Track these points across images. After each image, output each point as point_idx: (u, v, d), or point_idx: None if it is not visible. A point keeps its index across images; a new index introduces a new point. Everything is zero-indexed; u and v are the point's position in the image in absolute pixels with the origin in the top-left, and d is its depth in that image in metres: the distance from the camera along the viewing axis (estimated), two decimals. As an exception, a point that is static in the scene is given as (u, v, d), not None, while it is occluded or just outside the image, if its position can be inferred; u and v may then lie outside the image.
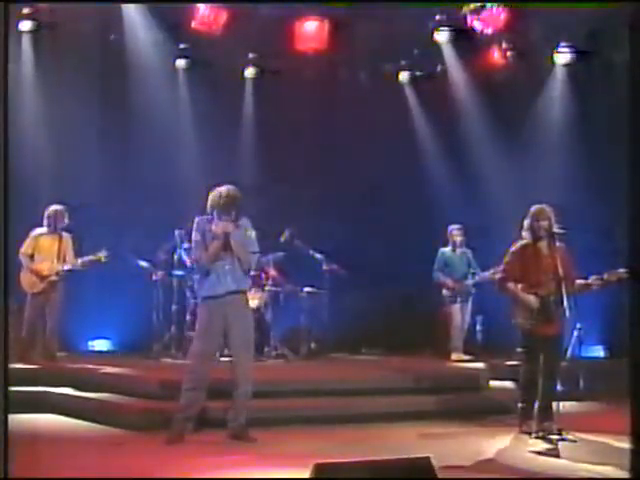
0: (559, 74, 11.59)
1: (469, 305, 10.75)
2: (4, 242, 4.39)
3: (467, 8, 10.44)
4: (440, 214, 11.49)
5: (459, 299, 10.67)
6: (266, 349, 10.26)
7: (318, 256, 10.76)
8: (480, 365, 9.79)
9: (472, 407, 8.33)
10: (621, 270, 6.69)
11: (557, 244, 7.10)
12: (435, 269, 10.75)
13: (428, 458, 3.56)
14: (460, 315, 10.67)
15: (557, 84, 11.62)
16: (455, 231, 10.80)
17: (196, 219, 6.89)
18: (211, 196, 6.82)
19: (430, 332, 11.08)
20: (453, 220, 10.89)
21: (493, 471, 5.88)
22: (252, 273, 10.11)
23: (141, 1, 10.75)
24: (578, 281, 7.07)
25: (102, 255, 9.31)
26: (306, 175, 11.94)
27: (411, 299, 11.65)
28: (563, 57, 11.44)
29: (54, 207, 9.37)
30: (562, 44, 11.28)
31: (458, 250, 10.81)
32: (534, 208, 7.24)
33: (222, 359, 7.30)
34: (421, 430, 7.38)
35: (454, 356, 10.54)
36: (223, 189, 6.79)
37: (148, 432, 6.92)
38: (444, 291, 10.73)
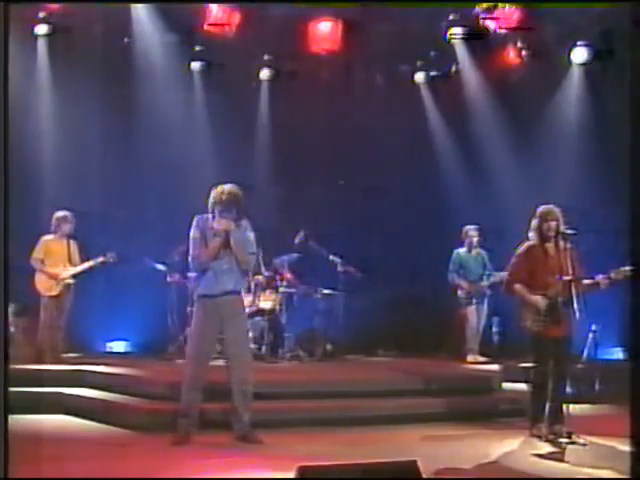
0: (576, 73, 11.48)
1: (484, 306, 10.67)
2: (4, 244, 4.44)
3: (480, 7, 10.37)
4: (455, 215, 11.43)
5: (474, 300, 10.59)
6: (280, 351, 10.26)
7: (333, 258, 10.72)
8: (494, 367, 9.70)
9: (484, 409, 8.26)
10: (628, 268, 6.58)
11: (565, 245, 7.03)
12: (450, 270, 10.68)
13: (415, 461, 3.52)
14: (476, 317, 10.60)
15: (574, 83, 11.50)
16: (471, 231, 10.73)
17: (195, 217, 6.87)
18: (213, 194, 6.79)
19: (446, 334, 11.01)
20: (468, 221, 10.82)
21: (492, 474, 5.82)
22: (252, 276, 10.32)
23: (154, 2, 10.77)
24: (585, 281, 6.98)
25: (110, 257, 9.57)
26: (321, 176, 11.93)
27: (427, 301, 11.58)
28: (580, 56, 11.33)
29: (61, 213, 9.60)
30: (579, 43, 11.15)
31: (473, 251, 10.73)
32: (542, 208, 7.16)
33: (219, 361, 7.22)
34: (430, 432, 7.32)
35: (470, 358, 10.48)
36: (225, 187, 6.76)
37: (155, 433, 6.91)
38: (459, 292, 10.66)
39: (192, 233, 6.83)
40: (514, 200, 10.99)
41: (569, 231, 7.05)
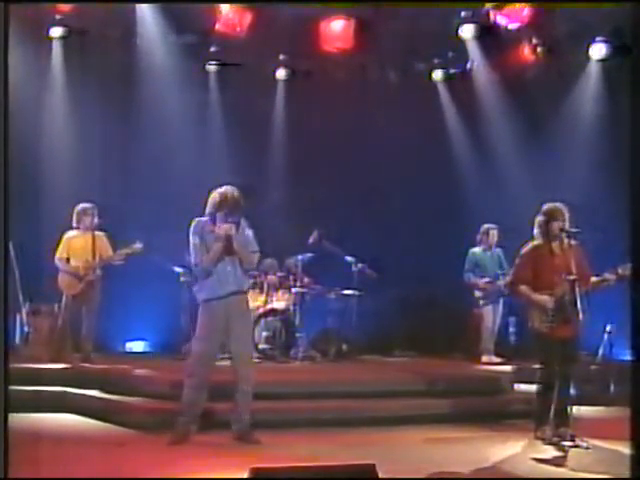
0: (594, 69, 11.28)
1: (500, 306, 10.52)
2: (4, 244, 4.46)
3: (491, 5, 10.27)
4: (471, 213, 11.32)
5: (490, 300, 10.45)
6: (293, 351, 10.21)
7: (347, 258, 10.65)
8: (507, 368, 9.57)
9: (493, 411, 8.16)
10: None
11: (571, 243, 6.91)
12: (466, 270, 10.55)
13: (373, 465, 3.45)
14: (491, 316, 10.45)
15: (592, 80, 11.30)
16: (490, 230, 10.59)
17: (194, 221, 6.82)
18: (214, 198, 6.73)
19: (461, 334, 10.89)
20: (484, 220, 10.69)
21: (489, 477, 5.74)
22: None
23: (168, 2, 10.79)
24: (593, 278, 6.86)
25: (137, 247, 9.21)
26: (337, 176, 11.84)
27: (442, 300, 11.47)
28: (598, 52, 11.13)
29: (82, 205, 9.27)
30: (597, 39, 10.96)
31: (489, 250, 10.59)
32: (547, 207, 7.06)
33: (223, 360, 7.22)
34: (435, 434, 7.25)
35: (485, 358, 10.34)
36: (228, 191, 6.69)
37: (155, 432, 6.89)
38: (476, 292, 10.53)
39: (191, 238, 6.77)
40: (530, 198, 10.78)
41: (574, 229, 6.93)
